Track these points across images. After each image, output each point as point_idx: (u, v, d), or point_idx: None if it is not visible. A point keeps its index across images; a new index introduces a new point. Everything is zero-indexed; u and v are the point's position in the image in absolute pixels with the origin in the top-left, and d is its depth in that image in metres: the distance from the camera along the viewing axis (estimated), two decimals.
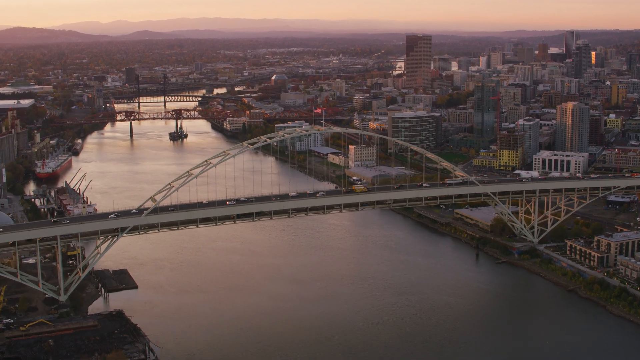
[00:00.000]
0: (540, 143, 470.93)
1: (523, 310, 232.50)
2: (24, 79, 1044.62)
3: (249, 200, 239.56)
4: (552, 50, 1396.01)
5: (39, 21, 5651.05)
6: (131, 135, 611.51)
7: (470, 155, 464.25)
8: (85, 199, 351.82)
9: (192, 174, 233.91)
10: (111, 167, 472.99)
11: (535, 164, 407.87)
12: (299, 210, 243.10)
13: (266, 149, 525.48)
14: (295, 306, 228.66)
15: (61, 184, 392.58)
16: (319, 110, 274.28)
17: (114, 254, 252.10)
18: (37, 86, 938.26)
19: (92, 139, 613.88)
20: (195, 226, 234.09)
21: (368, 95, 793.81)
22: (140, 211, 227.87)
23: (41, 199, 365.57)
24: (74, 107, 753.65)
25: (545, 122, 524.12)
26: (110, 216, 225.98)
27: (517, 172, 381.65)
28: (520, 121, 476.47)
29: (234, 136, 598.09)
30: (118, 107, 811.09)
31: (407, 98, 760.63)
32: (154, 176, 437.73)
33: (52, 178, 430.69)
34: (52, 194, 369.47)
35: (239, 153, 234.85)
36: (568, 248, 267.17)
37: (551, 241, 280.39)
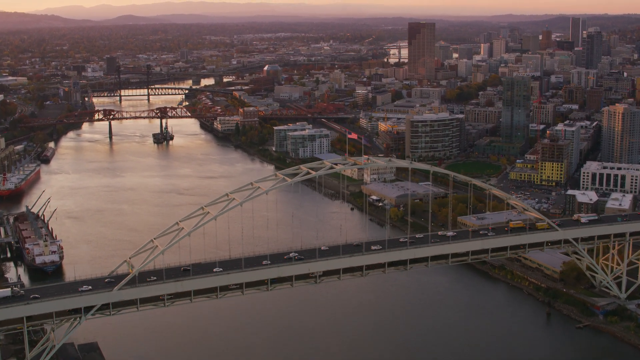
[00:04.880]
0: (580, 150, 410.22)
1: None
2: None
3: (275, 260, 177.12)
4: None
5: (22, 5, 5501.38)
6: (110, 137, 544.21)
7: (502, 165, 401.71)
8: (50, 230, 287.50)
9: (182, 227, 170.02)
10: (86, 181, 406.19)
11: (583, 179, 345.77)
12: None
13: (264, 156, 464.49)
14: None
15: (23, 208, 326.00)
16: (354, 136, 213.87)
17: None
18: (10, 77, 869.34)
19: (66, 141, 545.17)
20: (188, 301, 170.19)
21: (369, 87, 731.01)
22: (111, 280, 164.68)
23: None
24: (48, 102, 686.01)
25: (580, 123, 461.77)
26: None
27: (570, 192, 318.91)
28: (560, 126, 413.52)
29: (226, 138, 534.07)
30: (97, 101, 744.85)
31: (414, 92, 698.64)
32: (136, 193, 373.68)
33: (15, 196, 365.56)
34: (11, 221, 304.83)
35: (248, 199, 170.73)
36: None
37: None
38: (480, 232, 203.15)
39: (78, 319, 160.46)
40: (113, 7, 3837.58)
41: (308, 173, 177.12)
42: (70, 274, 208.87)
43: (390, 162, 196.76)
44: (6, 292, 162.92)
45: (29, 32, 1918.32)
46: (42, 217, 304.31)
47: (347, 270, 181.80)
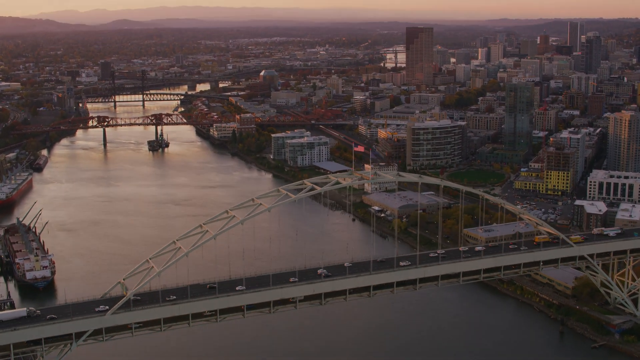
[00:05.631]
0: (585, 158, 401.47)
1: None
2: None
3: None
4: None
5: (16, 9, 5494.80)
6: (105, 145, 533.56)
7: (505, 174, 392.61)
8: (42, 244, 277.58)
9: (179, 246, 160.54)
10: (80, 190, 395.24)
11: (590, 188, 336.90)
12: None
13: (262, 164, 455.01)
14: None
15: (14, 220, 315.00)
16: (361, 148, 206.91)
17: None
18: (3, 83, 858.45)
19: (60, 148, 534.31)
20: (186, 324, 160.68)
21: (367, 93, 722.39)
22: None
23: None
24: (41, 108, 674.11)
25: (584, 130, 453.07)
26: None
27: (578, 202, 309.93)
28: (565, 133, 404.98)
29: (223, 145, 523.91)
30: (92, 107, 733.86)
31: (412, 97, 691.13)
32: (131, 204, 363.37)
33: (5, 206, 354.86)
34: (1, 233, 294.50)
35: (249, 217, 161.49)
36: None
37: None
38: (510, 247, 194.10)
39: (69, 344, 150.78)
40: (108, 11, 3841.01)
41: (313, 189, 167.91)
42: (62, 290, 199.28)
43: (399, 176, 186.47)
44: (22, 312, 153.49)
45: (23, 37, 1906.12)
46: (34, 230, 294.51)
47: (353, 291, 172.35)
